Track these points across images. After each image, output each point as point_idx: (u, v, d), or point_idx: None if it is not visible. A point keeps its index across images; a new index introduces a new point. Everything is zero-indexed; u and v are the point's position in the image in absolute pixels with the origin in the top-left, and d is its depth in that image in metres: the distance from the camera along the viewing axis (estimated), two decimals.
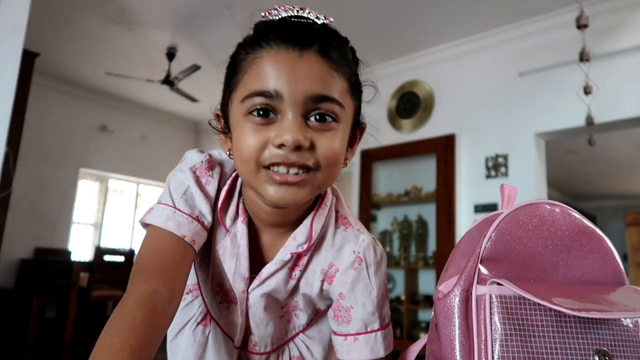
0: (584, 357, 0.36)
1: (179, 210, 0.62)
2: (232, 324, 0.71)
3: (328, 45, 0.57)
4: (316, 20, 0.58)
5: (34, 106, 4.25)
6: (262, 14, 0.60)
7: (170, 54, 4.26)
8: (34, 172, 4.88)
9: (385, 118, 4.14)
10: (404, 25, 3.66)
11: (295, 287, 0.68)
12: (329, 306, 0.69)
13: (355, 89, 0.62)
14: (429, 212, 3.89)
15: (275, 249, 0.67)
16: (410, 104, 4.10)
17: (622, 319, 0.38)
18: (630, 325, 0.38)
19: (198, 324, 0.71)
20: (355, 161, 4.23)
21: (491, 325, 0.37)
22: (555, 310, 0.36)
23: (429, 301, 3.76)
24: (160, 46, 4.21)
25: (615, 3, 3.12)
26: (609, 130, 3.50)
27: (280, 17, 0.58)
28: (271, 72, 0.55)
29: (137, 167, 5.86)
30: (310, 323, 0.74)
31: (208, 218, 0.65)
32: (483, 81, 3.72)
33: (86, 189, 5.62)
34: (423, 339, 0.47)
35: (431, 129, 3.90)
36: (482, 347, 0.36)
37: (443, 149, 3.72)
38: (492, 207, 3.45)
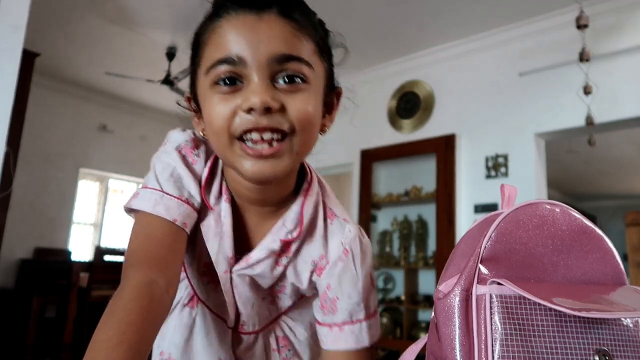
0: (584, 356, 0.36)
1: (166, 193, 0.60)
2: (223, 304, 0.70)
3: (288, 6, 0.55)
4: None
5: (34, 106, 4.24)
6: None
7: (170, 54, 4.25)
8: (34, 172, 4.88)
9: (385, 118, 4.14)
10: (404, 25, 3.65)
11: (282, 274, 0.67)
12: (314, 293, 0.69)
13: (324, 51, 0.60)
14: (429, 212, 3.89)
15: (261, 230, 0.66)
16: (410, 104, 4.10)
17: (623, 319, 0.38)
18: (631, 325, 0.38)
19: (184, 305, 0.70)
20: (355, 161, 4.23)
21: (491, 325, 0.37)
22: (555, 310, 0.36)
23: (429, 301, 3.75)
24: (160, 46, 4.20)
25: (615, 3, 3.12)
26: (609, 130, 3.50)
27: None
28: (231, 38, 0.53)
29: (137, 167, 5.85)
30: (292, 306, 0.73)
31: (197, 199, 0.63)
32: (483, 81, 3.72)
33: (86, 189, 5.62)
34: (423, 339, 0.47)
35: (431, 129, 3.90)
36: (483, 346, 0.36)
37: (443, 149, 3.71)
38: (492, 207, 3.45)
